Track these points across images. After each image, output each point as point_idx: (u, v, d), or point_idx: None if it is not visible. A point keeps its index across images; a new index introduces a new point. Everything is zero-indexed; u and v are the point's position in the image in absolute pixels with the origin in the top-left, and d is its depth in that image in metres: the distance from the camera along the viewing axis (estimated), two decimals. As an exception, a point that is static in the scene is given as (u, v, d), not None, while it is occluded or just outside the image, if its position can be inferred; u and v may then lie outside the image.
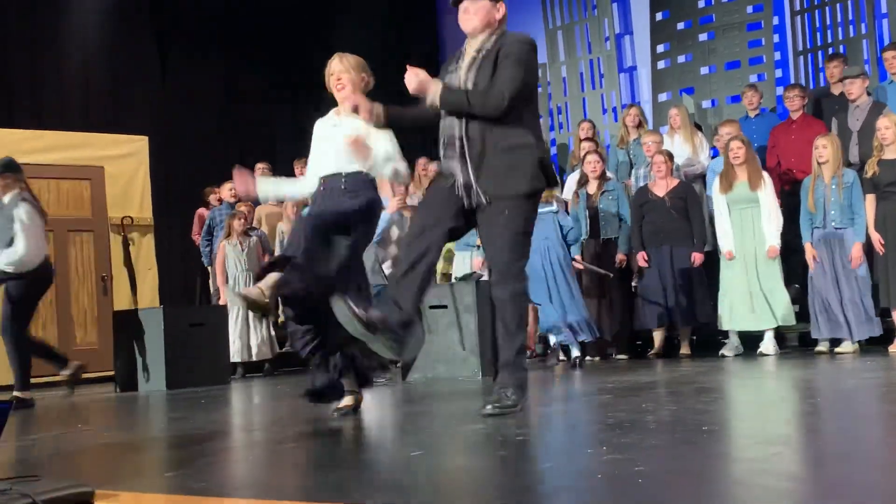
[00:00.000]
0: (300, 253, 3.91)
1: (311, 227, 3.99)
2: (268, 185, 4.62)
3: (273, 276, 3.94)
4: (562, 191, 8.55)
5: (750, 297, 6.68)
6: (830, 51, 9.02)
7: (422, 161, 9.52)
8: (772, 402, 4.17)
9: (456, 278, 7.44)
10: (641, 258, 7.18)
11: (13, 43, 9.53)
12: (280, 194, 4.45)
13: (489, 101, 3.72)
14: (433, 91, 3.75)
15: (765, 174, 6.85)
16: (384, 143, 4.15)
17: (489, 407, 3.72)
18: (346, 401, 4.21)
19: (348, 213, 4.07)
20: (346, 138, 4.04)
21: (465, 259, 7.74)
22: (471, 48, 3.89)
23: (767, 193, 6.74)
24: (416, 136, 11.20)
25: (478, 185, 3.73)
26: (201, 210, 9.34)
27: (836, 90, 7.77)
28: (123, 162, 9.00)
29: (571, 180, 8.26)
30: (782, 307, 6.67)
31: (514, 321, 3.81)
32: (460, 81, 3.82)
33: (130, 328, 7.32)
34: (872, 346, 6.65)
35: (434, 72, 3.95)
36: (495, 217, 3.76)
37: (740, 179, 6.78)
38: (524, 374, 3.86)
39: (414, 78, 3.79)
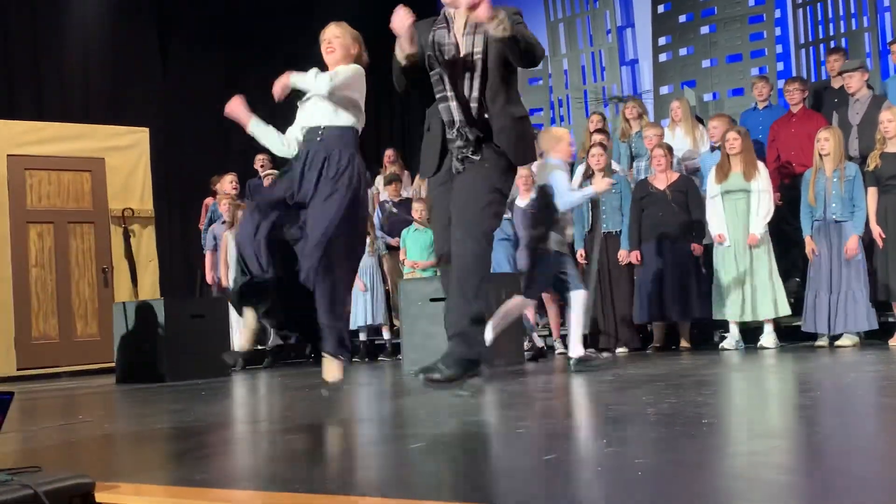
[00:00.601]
0: (266, 277, 3.97)
1: (265, 240, 4.00)
2: (259, 127, 4.51)
3: (250, 329, 4.06)
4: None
5: (742, 288, 6.70)
6: (832, 44, 9.01)
7: (389, 153, 9.59)
8: (771, 396, 4.17)
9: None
10: (634, 257, 7.18)
11: (15, 35, 9.53)
12: (265, 142, 4.44)
13: (538, 49, 3.77)
14: (502, 17, 3.60)
15: (760, 165, 6.86)
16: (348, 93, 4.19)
17: (420, 376, 3.62)
18: (334, 373, 4.21)
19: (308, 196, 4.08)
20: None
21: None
22: (459, 16, 3.86)
23: (760, 183, 6.75)
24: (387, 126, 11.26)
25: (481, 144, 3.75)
26: (208, 199, 9.33)
27: (836, 84, 7.76)
28: (124, 154, 9.00)
29: (578, 172, 8.26)
30: (775, 299, 6.67)
31: (472, 287, 3.63)
32: (461, 46, 3.82)
33: (131, 320, 7.32)
34: (873, 340, 6.65)
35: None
36: (477, 170, 3.73)
37: (735, 170, 6.79)
38: (476, 350, 3.67)
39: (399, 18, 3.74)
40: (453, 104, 3.82)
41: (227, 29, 10.75)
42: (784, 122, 7.69)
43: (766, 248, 6.75)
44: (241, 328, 4.16)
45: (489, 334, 5.33)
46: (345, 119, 4.23)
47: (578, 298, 5.60)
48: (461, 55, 3.85)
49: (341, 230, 4.03)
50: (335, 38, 4.26)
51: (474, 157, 3.74)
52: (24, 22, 9.58)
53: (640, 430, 3.02)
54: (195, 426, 3.94)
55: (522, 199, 7.18)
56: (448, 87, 3.84)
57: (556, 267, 5.58)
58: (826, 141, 6.55)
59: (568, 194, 5.54)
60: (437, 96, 3.90)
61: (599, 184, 5.82)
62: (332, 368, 4.19)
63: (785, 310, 6.72)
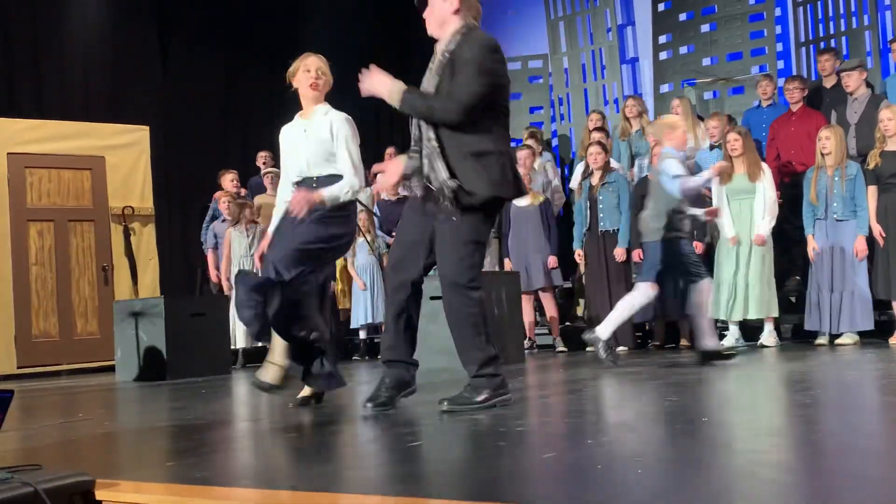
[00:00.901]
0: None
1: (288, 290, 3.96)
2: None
3: (279, 368, 4.04)
4: (569, 182, 8.57)
5: (736, 288, 6.70)
6: (833, 42, 9.01)
7: (390, 150, 9.58)
8: (771, 394, 4.17)
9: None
10: (637, 255, 7.18)
11: (15, 33, 9.52)
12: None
13: (448, 107, 3.55)
14: (389, 91, 3.63)
15: (764, 165, 6.85)
16: (343, 155, 4.13)
17: (446, 403, 3.66)
18: (307, 391, 4.27)
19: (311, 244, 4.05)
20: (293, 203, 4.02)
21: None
22: (438, 50, 3.75)
23: (766, 184, 6.74)
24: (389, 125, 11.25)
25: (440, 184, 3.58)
26: (218, 193, 9.26)
27: (827, 83, 7.77)
28: (125, 152, 9.00)
29: (578, 171, 8.27)
30: (769, 299, 6.66)
31: (472, 340, 3.67)
32: (428, 84, 3.68)
33: (131, 318, 7.32)
34: (873, 339, 6.66)
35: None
36: (449, 222, 3.60)
37: (739, 171, 6.78)
38: (493, 385, 3.71)
39: (368, 80, 3.68)
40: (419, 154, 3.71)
41: (227, 28, 10.75)
42: (784, 120, 7.69)
43: (769, 248, 6.74)
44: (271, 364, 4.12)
45: (607, 329, 5.58)
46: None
47: (704, 287, 5.58)
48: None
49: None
50: (322, 74, 4.23)
51: (444, 205, 3.60)
52: (24, 20, 9.57)
53: (640, 427, 3.02)
54: (195, 424, 3.94)
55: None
56: (413, 138, 3.78)
57: (684, 253, 5.58)
58: (827, 140, 6.55)
59: (683, 181, 5.51)
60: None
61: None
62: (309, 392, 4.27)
63: (773, 311, 6.71)
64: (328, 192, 4.06)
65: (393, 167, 3.75)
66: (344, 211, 4.14)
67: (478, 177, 3.57)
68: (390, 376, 3.86)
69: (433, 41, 3.82)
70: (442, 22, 3.68)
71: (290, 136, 4.31)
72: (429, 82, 3.69)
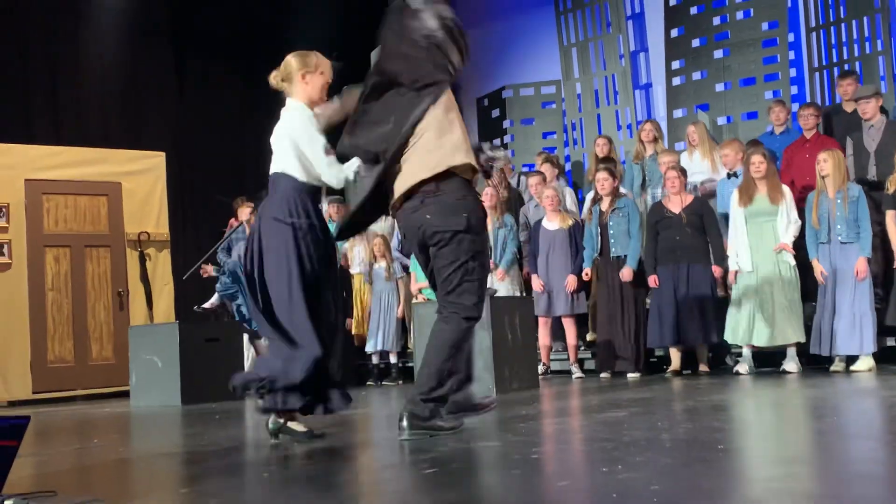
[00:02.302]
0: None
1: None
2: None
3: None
4: (580, 209, 8.56)
5: (763, 312, 6.65)
6: (846, 67, 9.00)
7: None
8: (787, 421, 4.14)
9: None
10: (653, 281, 7.15)
11: (33, 61, 9.65)
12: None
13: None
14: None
15: (785, 188, 6.84)
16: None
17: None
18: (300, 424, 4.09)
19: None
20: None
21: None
22: None
23: (787, 206, 6.74)
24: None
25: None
26: (233, 221, 9.32)
27: (848, 108, 7.76)
28: (141, 178, 9.07)
29: (588, 197, 8.27)
30: (794, 325, 6.62)
31: (436, 368, 3.69)
32: None
33: (146, 343, 7.35)
34: (889, 364, 6.60)
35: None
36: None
37: (760, 192, 6.77)
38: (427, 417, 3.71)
39: None
40: None
41: (244, 55, 10.85)
42: (798, 146, 7.68)
43: (793, 273, 6.70)
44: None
45: None
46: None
47: None
48: None
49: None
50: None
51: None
52: (42, 47, 9.70)
53: (656, 455, 3.00)
54: (209, 450, 3.94)
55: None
56: None
57: None
58: (825, 162, 6.55)
59: None
60: None
61: None
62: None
63: (798, 336, 6.66)
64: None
65: None
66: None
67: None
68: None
69: None
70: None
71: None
72: None
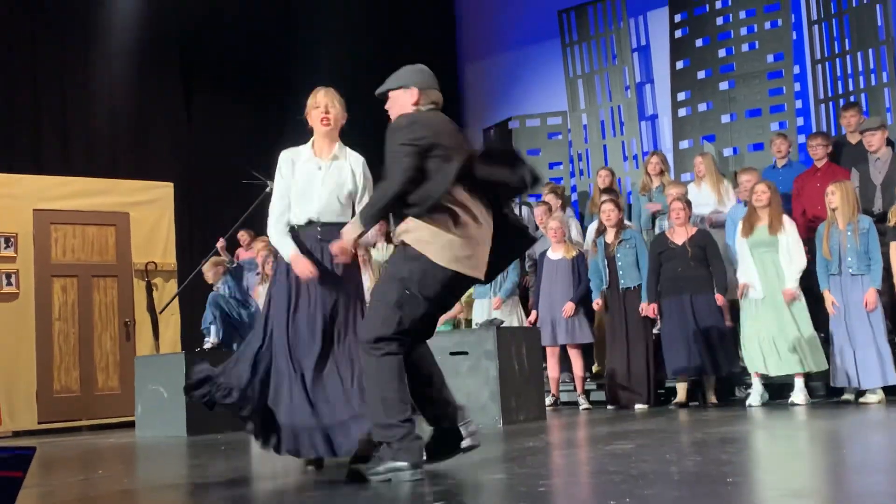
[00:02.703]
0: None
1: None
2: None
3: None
4: (584, 240, 8.57)
5: (775, 342, 6.61)
6: (852, 99, 9.04)
7: None
8: (797, 453, 4.11)
9: (476, 324, 7.43)
10: (652, 310, 7.15)
11: (43, 91, 9.73)
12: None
13: (380, 206, 3.67)
14: (350, 233, 3.74)
15: (786, 218, 6.83)
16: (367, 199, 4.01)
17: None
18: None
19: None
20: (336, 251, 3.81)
21: (484, 305, 7.73)
22: None
23: (788, 236, 6.71)
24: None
25: None
26: (239, 250, 9.36)
27: (852, 139, 7.77)
28: (148, 208, 9.11)
29: (591, 229, 8.27)
30: (812, 352, 6.58)
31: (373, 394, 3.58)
32: None
33: (152, 373, 7.34)
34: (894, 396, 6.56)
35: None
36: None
37: (761, 223, 6.77)
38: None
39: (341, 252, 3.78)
40: None
41: (252, 85, 10.93)
42: (808, 176, 7.68)
43: (801, 302, 6.68)
44: None
45: None
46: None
47: None
48: None
49: None
50: (332, 108, 4.16)
51: None
52: (52, 78, 9.78)
53: (664, 488, 2.97)
54: (214, 482, 3.92)
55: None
56: None
57: None
58: (833, 195, 6.54)
59: None
60: None
61: None
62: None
63: (823, 363, 6.60)
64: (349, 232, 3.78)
65: None
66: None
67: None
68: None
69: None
70: (400, 112, 3.80)
71: (304, 170, 4.14)
72: None
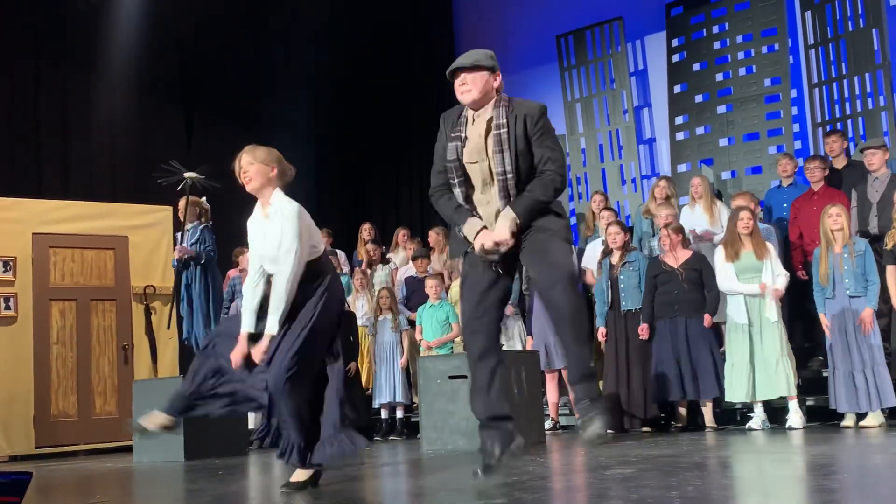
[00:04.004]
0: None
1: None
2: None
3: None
4: (580, 260, 8.57)
5: (752, 368, 6.62)
6: (849, 123, 9.08)
7: (403, 233, 9.79)
8: (797, 478, 4.09)
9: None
10: (644, 330, 7.16)
11: (43, 116, 9.76)
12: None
13: (557, 188, 3.83)
14: (510, 225, 3.77)
15: (769, 244, 6.89)
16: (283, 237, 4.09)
17: (592, 436, 3.70)
18: (301, 475, 4.12)
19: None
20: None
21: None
22: (480, 119, 3.90)
23: (772, 260, 6.77)
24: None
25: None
26: (231, 272, 9.35)
27: (837, 164, 7.88)
28: (147, 232, 9.11)
29: (593, 250, 8.27)
30: (783, 378, 6.57)
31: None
32: (490, 159, 3.83)
33: (150, 398, 7.30)
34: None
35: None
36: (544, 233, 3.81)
37: (746, 249, 6.80)
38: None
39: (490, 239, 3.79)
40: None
41: (250, 111, 10.98)
42: (805, 199, 7.71)
43: (779, 325, 6.69)
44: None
45: None
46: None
47: None
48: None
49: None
50: (249, 165, 4.20)
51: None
52: (53, 102, 9.82)
53: (664, 513, 2.96)
54: (212, 507, 3.89)
55: None
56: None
57: None
58: (838, 216, 6.58)
59: None
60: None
61: None
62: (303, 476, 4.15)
63: (789, 390, 6.59)
64: (269, 329, 4.04)
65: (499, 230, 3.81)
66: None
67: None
68: (493, 437, 3.88)
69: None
70: (485, 94, 3.87)
71: (252, 227, 4.29)
72: (490, 158, 3.83)
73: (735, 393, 6.70)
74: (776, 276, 6.72)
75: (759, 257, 6.75)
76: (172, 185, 8.06)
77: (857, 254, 6.50)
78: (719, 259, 6.91)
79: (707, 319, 7.04)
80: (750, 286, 6.72)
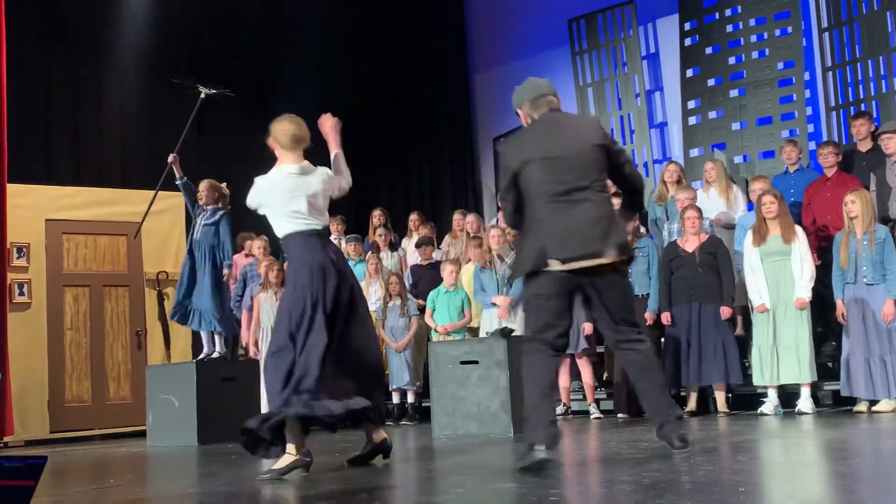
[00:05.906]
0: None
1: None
2: (338, 162, 5.03)
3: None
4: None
5: (776, 351, 6.60)
6: (863, 107, 9.00)
7: (414, 217, 9.74)
8: (809, 463, 4.08)
9: (487, 333, 7.41)
10: (665, 318, 7.13)
11: (55, 102, 9.79)
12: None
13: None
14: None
15: (798, 228, 6.81)
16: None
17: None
18: (284, 461, 4.24)
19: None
20: None
21: (494, 315, 7.71)
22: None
23: (801, 246, 6.69)
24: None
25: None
26: (236, 256, 9.35)
27: (862, 147, 7.75)
28: (160, 218, 9.12)
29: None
30: (805, 363, 6.55)
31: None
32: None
33: (163, 383, 7.35)
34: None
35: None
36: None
37: (773, 233, 6.75)
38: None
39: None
40: None
41: (262, 97, 10.97)
42: (819, 185, 7.65)
43: (807, 312, 6.66)
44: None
45: None
46: None
47: None
48: None
49: None
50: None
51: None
52: (64, 89, 9.84)
53: (676, 498, 2.96)
54: (225, 491, 3.92)
55: None
56: None
57: None
58: (853, 203, 6.52)
59: None
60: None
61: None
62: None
63: (808, 376, 6.57)
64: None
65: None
66: None
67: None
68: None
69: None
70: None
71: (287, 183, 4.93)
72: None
73: (761, 377, 6.67)
74: (804, 269, 6.65)
75: (787, 241, 6.68)
76: (185, 171, 8.06)
77: (876, 241, 6.45)
78: (747, 243, 6.90)
79: (725, 312, 6.98)
80: (761, 292, 6.70)
